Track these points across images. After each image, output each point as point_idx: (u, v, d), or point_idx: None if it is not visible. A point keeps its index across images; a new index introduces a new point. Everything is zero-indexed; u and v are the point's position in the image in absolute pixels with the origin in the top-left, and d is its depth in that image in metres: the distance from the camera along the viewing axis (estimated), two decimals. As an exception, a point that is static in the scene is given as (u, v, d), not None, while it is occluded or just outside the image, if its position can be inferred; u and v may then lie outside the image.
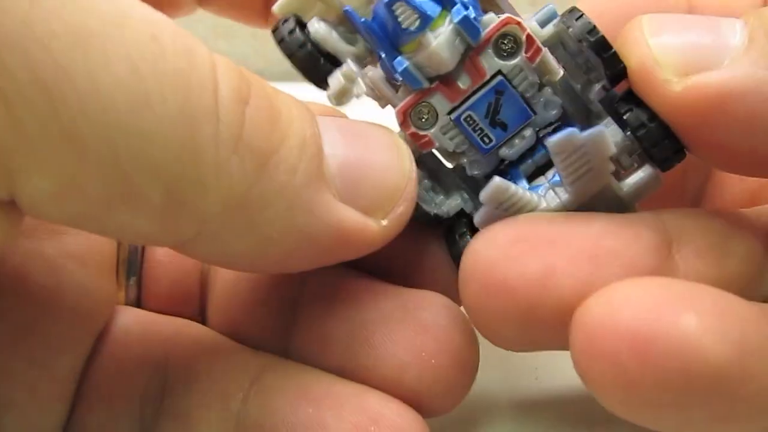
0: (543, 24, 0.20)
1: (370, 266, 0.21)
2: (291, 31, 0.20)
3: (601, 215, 0.19)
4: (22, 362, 0.20)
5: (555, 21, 0.19)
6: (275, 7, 0.20)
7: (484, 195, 0.18)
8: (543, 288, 0.17)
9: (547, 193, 0.20)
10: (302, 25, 0.20)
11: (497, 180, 0.18)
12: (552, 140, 0.17)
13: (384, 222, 0.18)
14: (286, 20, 0.20)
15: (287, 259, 0.18)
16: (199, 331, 0.23)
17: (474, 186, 0.21)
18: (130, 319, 0.22)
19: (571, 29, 0.19)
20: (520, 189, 0.19)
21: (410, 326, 0.20)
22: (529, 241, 0.18)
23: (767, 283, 0.19)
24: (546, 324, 0.17)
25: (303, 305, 0.21)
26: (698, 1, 0.22)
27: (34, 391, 0.20)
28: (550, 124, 0.20)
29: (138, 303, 0.23)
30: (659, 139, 0.19)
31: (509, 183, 0.19)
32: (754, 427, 0.16)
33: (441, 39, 0.18)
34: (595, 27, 0.19)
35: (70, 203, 0.15)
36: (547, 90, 0.20)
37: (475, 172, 0.20)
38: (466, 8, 0.18)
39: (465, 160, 0.20)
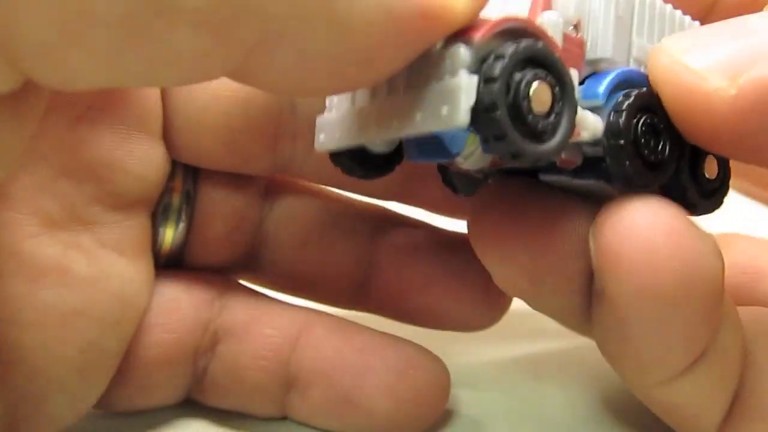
0: None
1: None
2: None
3: None
4: (72, 348, 0.20)
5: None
6: (317, 147, 0.19)
7: None
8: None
9: None
10: None
11: None
12: None
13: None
14: None
15: (371, 58, 0.15)
16: (242, 290, 0.24)
17: None
18: (175, 285, 0.23)
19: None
20: None
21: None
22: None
23: None
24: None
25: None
26: None
27: (83, 372, 0.20)
28: None
29: (182, 248, 0.23)
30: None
31: None
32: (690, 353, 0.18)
33: (471, 160, 0.18)
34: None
35: (87, 44, 0.12)
36: None
37: None
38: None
39: None
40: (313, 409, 0.22)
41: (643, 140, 0.18)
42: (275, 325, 0.22)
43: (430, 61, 0.16)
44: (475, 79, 0.15)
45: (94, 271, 0.20)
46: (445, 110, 0.15)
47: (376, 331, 0.23)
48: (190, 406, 0.23)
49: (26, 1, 0.12)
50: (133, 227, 0.21)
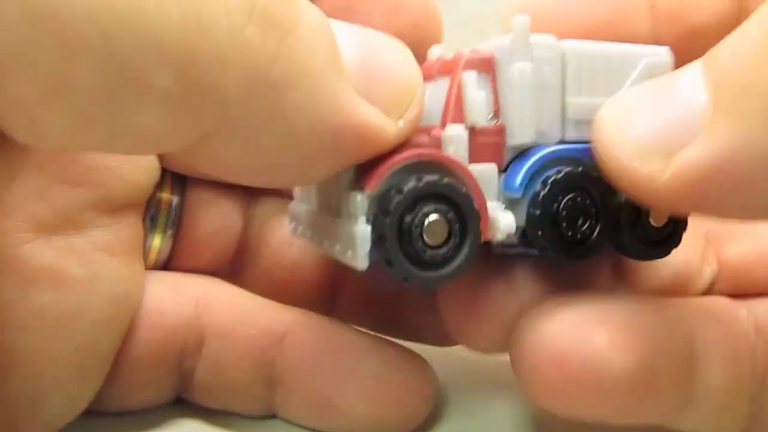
0: None
1: None
2: None
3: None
4: (68, 350, 0.20)
5: None
6: (291, 233, 0.22)
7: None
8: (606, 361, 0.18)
9: None
10: None
11: None
12: None
13: (400, 123, 0.17)
14: None
15: (308, 161, 0.16)
16: (228, 290, 0.24)
17: None
18: (161, 285, 0.23)
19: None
20: None
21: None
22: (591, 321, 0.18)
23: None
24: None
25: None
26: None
27: (79, 372, 0.21)
28: None
29: (170, 254, 0.24)
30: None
31: None
32: (663, 415, 0.19)
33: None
34: None
35: (63, 108, 0.13)
36: None
37: None
38: None
39: None
40: (296, 409, 0.23)
41: (565, 223, 0.18)
42: (260, 326, 0.23)
43: (339, 196, 0.17)
44: (368, 228, 0.16)
45: (87, 274, 0.21)
46: (349, 254, 0.17)
47: (362, 332, 0.24)
48: (185, 406, 0.23)
49: (15, 68, 0.13)
50: (125, 230, 0.22)
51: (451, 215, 0.17)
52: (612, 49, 0.19)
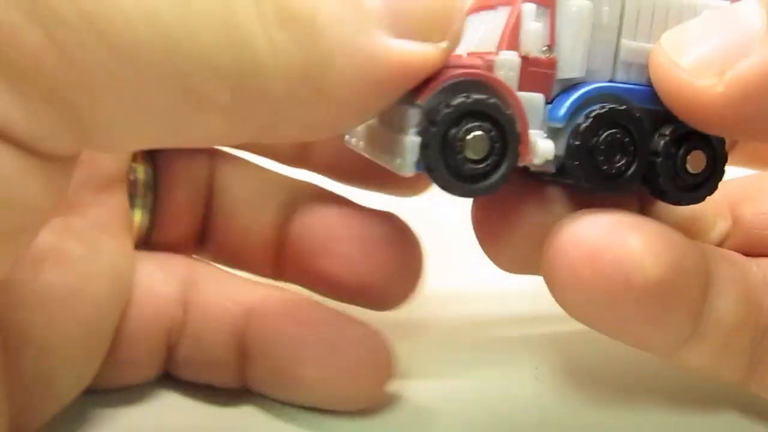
0: None
1: None
2: None
3: None
4: (75, 326, 0.21)
5: None
6: (345, 142, 0.22)
7: None
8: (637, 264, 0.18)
9: None
10: None
11: None
12: None
13: (443, 45, 0.17)
14: None
15: (364, 108, 0.17)
16: (209, 267, 0.26)
17: None
18: (151, 263, 0.24)
19: None
20: None
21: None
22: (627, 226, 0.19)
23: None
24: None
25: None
26: None
27: (86, 348, 0.22)
28: None
29: (151, 229, 0.25)
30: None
31: None
32: (680, 335, 0.20)
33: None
34: None
35: (144, 125, 0.16)
36: None
37: None
38: None
39: None
40: (263, 380, 0.24)
41: (602, 156, 0.19)
42: (236, 300, 0.24)
43: (394, 110, 0.18)
44: (417, 138, 0.17)
45: (87, 251, 0.22)
46: (398, 161, 0.18)
47: (329, 308, 0.24)
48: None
49: (108, 95, 0.15)
50: (115, 206, 0.23)
51: (493, 134, 0.18)
52: None
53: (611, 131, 0.19)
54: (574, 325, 0.22)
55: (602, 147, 0.19)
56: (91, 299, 0.22)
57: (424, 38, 0.17)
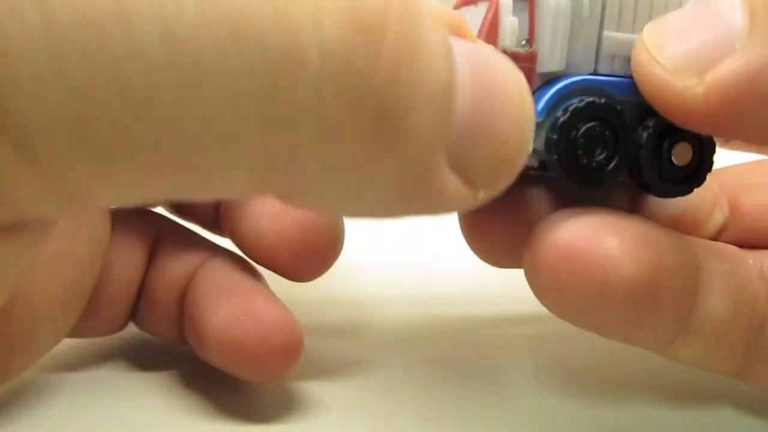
0: None
1: None
2: None
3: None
4: (59, 287, 0.22)
5: None
6: None
7: None
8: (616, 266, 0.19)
9: None
10: None
11: None
12: None
13: (480, 195, 0.16)
14: None
15: (374, 212, 0.16)
16: (174, 224, 0.26)
17: None
18: (124, 223, 0.25)
19: None
20: None
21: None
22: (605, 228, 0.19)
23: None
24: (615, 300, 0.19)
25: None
26: None
27: (66, 307, 0.23)
28: None
29: None
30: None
31: None
32: (668, 332, 0.20)
33: None
34: None
35: (152, 181, 0.13)
36: None
37: None
38: None
39: None
40: (189, 337, 0.24)
41: (581, 150, 0.19)
42: (186, 258, 0.25)
43: None
44: None
45: (71, 217, 0.22)
46: None
47: (256, 277, 0.25)
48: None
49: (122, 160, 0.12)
50: None
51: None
52: None
53: (590, 125, 0.19)
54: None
55: (581, 141, 0.19)
56: (73, 262, 0.22)
57: (471, 184, 0.15)
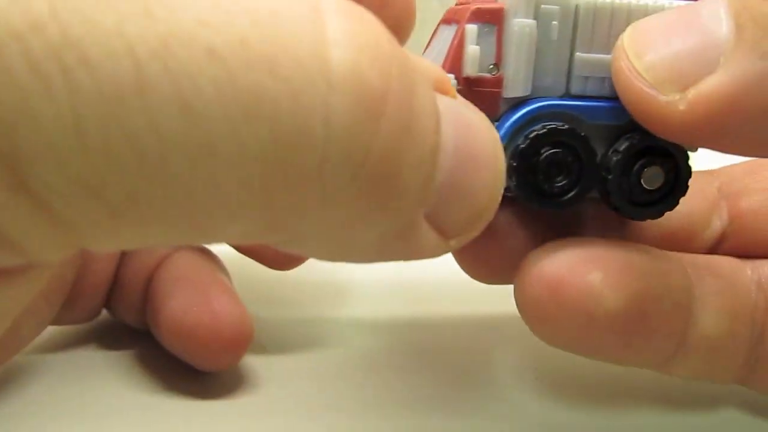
0: None
1: None
2: None
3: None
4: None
5: None
6: None
7: None
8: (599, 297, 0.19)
9: None
10: None
11: None
12: None
13: (452, 243, 0.16)
14: None
15: (357, 259, 0.16)
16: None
17: None
18: None
19: None
20: None
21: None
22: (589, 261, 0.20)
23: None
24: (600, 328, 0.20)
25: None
26: None
27: (50, 299, 0.24)
28: None
29: None
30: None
31: None
32: (663, 354, 0.20)
33: None
34: None
35: (150, 231, 0.13)
36: None
37: None
38: None
39: None
40: (150, 326, 0.25)
41: (542, 176, 0.19)
42: (154, 250, 0.26)
43: None
44: None
45: None
46: None
47: (216, 271, 0.25)
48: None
49: (120, 225, 0.13)
50: None
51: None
52: (633, 4, 0.19)
53: (552, 151, 0.19)
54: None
55: (542, 167, 0.19)
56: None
57: (444, 233, 0.16)
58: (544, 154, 0.19)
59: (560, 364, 0.25)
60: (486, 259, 0.22)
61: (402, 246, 0.15)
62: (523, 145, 0.19)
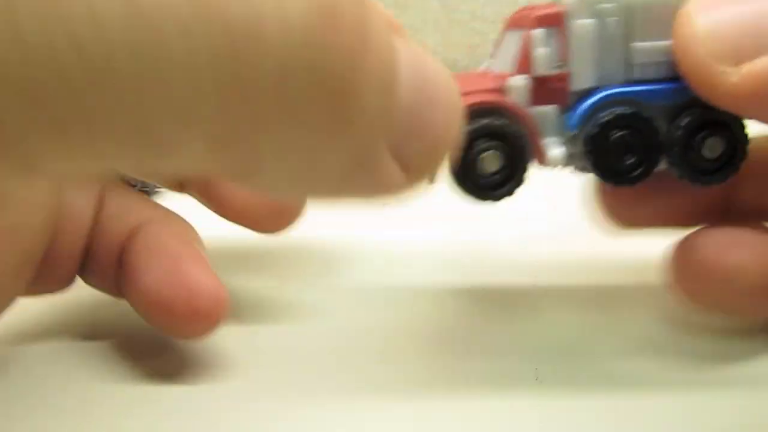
0: None
1: None
2: None
3: None
4: (14, 256, 0.23)
5: None
6: None
7: None
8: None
9: None
10: None
11: None
12: None
13: (413, 177, 0.16)
14: None
15: (320, 193, 0.17)
16: (120, 187, 0.27)
17: None
18: (75, 191, 0.25)
19: None
20: None
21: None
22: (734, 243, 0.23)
23: None
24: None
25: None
26: None
27: (19, 274, 0.24)
28: None
29: None
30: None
31: None
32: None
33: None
34: None
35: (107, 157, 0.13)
36: None
37: None
38: None
39: None
40: (124, 295, 0.25)
41: (612, 158, 0.22)
42: (127, 219, 0.25)
43: None
44: None
45: (29, 191, 0.23)
46: None
47: (191, 241, 0.25)
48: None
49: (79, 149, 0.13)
50: None
51: (504, 149, 0.21)
52: None
53: (619, 134, 0.21)
54: (575, 325, 0.25)
55: (612, 149, 0.21)
56: (29, 233, 0.23)
57: (408, 171, 0.16)
58: (613, 138, 0.21)
59: (561, 364, 0.25)
60: (632, 213, 0.25)
61: (365, 177, 0.15)
62: (593, 132, 0.21)
